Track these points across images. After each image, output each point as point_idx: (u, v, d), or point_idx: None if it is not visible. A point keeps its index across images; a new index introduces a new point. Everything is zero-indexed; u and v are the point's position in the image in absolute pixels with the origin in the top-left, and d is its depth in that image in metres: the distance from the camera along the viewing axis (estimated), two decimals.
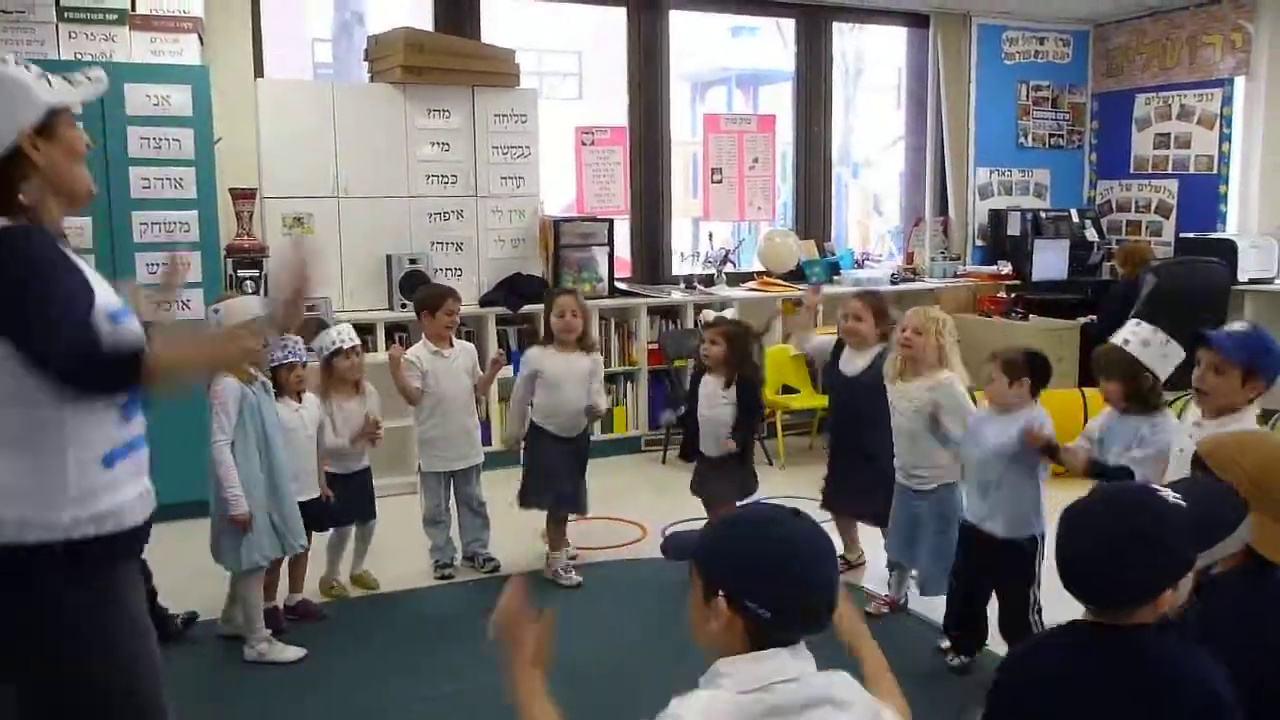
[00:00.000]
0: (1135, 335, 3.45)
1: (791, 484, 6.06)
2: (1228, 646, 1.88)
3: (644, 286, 7.59)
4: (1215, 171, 8.22)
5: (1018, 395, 3.74)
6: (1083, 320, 7.60)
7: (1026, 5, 8.40)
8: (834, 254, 8.37)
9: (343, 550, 4.76)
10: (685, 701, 1.55)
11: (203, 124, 5.48)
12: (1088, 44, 9.05)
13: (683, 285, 7.64)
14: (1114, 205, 8.99)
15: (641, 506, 5.74)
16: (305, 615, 4.43)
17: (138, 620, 2.15)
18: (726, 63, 15.60)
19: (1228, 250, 7.55)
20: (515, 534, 5.12)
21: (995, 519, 3.74)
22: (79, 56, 5.40)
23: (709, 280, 7.71)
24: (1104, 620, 1.82)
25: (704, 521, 4.96)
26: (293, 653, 4.10)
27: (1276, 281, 7.65)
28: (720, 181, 7.92)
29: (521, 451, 5.00)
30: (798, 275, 7.94)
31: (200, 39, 5.81)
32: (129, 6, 5.57)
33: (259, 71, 6.45)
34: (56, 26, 5.42)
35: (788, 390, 7.24)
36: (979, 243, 8.83)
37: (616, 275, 7.30)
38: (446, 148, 6.67)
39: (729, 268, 7.81)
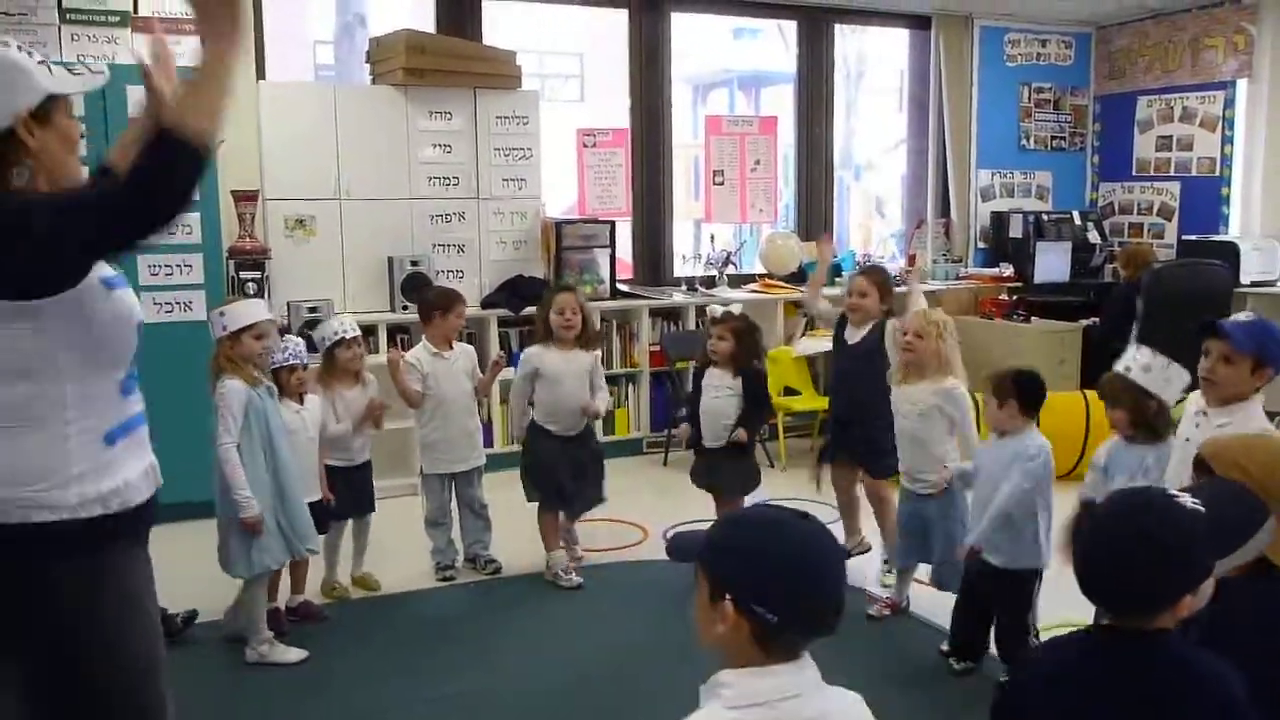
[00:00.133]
0: (1136, 361, 3.43)
1: (793, 486, 6.05)
2: (1238, 648, 1.88)
3: (645, 288, 7.59)
4: (1217, 174, 8.22)
5: (1009, 417, 3.74)
6: (1085, 323, 7.60)
7: (1028, 7, 8.40)
8: (836, 256, 8.35)
9: (339, 547, 4.75)
10: None
11: None
12: (1090, 46, 9.05)
13: (684, 287, 7.64)
14: (1116, 207, 8.98)
15: (643, 508, 5.74)
16: (307, 617, 4.43)
17: (142, 600, 2.15)
18: (728, 64, 15.57)
19: (1230, 252, 7.54)
20: (517, 536, 5.11)
21: (995, 550, 3.74)
22: (81, 58, 5.39)
23: (710, 282, 7.71)
24: (1122, 626, 1.81)
25: (708, 521, 4.97)
26: (294, 654, 4.10)
27: (1279, 284, 7.63)
28: (722, 183, 7.92)
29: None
30: (799, 277, 7.92)
31: (202, 40, 5.80)
32: (131, 8, 5.58)
33: (261, 73, 6.45)
34: (59, 28, 5.44)
35: (789, 392, 7.23)
36: (981, 245, 8.82)
37: (618, 277, 7.30)
38: (448, 149, 6.67)
39: (730, 270, 7.81)
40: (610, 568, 5.08)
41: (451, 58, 6.58)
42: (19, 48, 2.00)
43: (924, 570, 4.41)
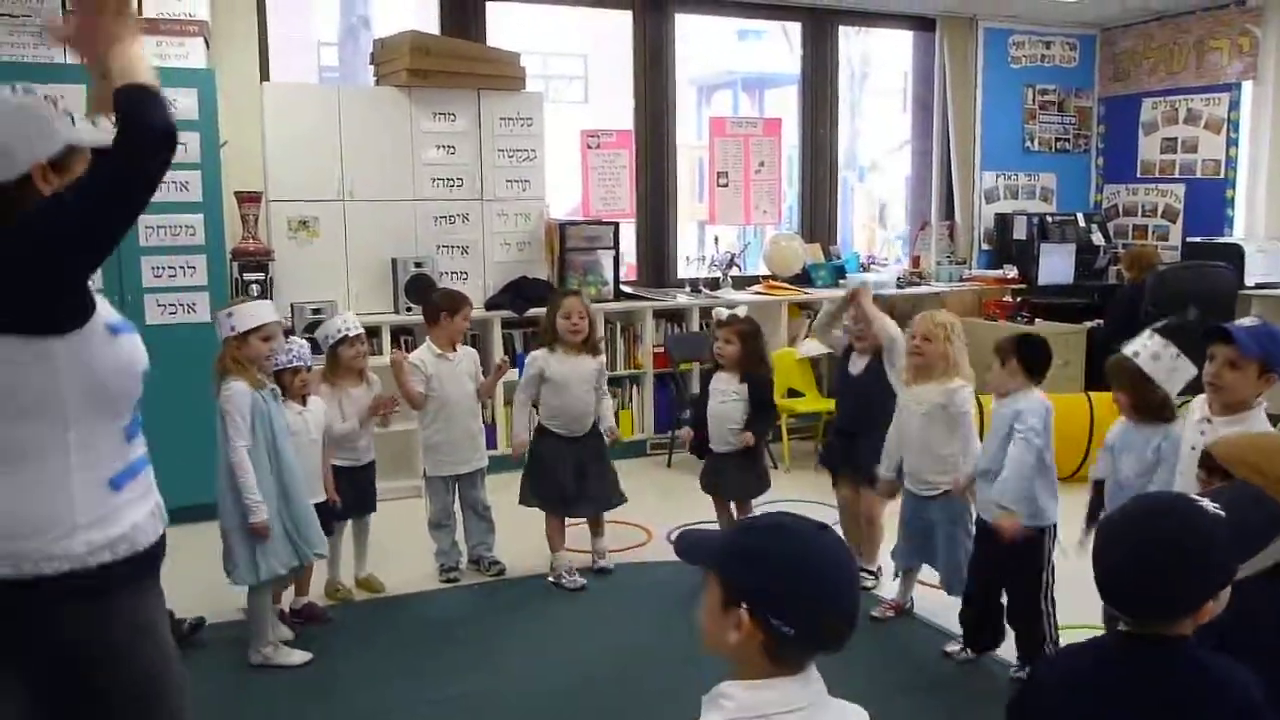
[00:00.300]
0: (1146, 348, 3.42)
1: (796, 487, 6.05)
2: (1257, 651, 1.87)
3: (649, 290, 7.59)
4: (1222, 176, 8.21)
5: (1010, 376, 3.78)
6: (1089, 324, 7.59)
7: (1033, 9, 8.40)
8: (839, 258, 8.36)
9: (340, 547, 4.75)
10: None
11: (208, 127, 5.48)
12: (1094, 48, 9.04)
13: (688, 289, 7.63)
14: (1120, 209, 8.97)
15: (647, 510, 5.73)
16: (311, 618, 4.43)
17: (162, 642, 2.17)
18: (732, 66, 15.59)
19: (1234, 254, 7.54)
20: (520, 537, 5.11)
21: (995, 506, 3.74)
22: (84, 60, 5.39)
23: (714, 284, 7.70)
24: (1143, 632, 1.80)
25: (712, 523, 4.97)
26: (298, 656, 4.09)
27: None
28: (726, 185, 7.92)
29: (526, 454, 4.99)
30: (803, 279, 7.94)
31: (206, 43, 5.82)
32: (135, 10, 5.57)
33: (265, 75, 6.46)
34: None
35: (793, 394, 7.23)
36: (985, 246, 8.82)
37: (622, 278, 7.30)
38: (452, 151, 6.67)
39: (734, 271, 7.80)
40: (614, 569, 5.07)
41: (456, 59, 6.58)
42: (45, 97, 2.04)
43: (926, 572, 4.41)
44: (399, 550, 5.10)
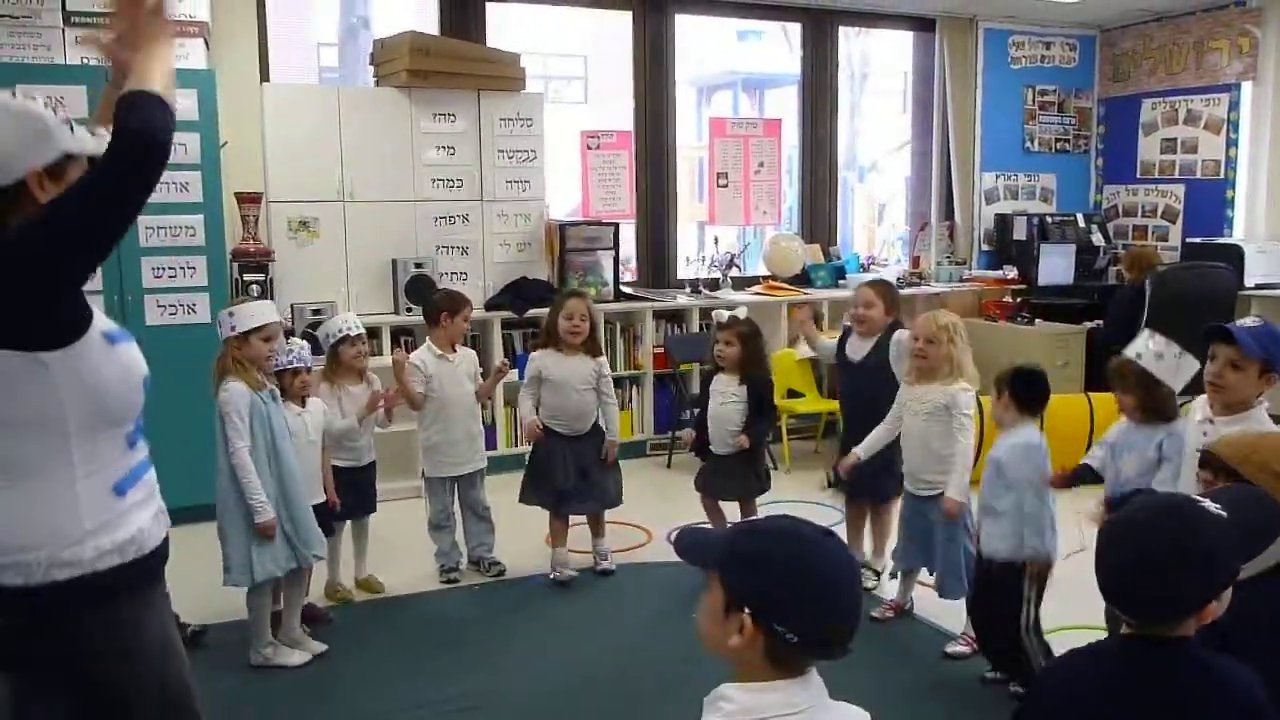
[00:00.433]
0: (1149, 348, 3.42)
1: (797, 488, 6.05)
2: (1258, 649, 1.88)
3: (649, 290, 7.59)
4: (1222, 176, 8.21)
5: (1004, 410, 3.77)
6: (1089, 325, 7.59)
7: (1033, 9, 8.39)
8: (839, 258, 8.36)
9: (340, 548, 4.75)
10: None
11: (208, 128, 5.48)
12: (1094, 48, 9.04)
13: (688, 289, 7.63)
14: (1120, 210, 8.97)
15: (647, 511, 5.73)
16: (311, 619, 4.42)
17: (169, 643, 2.18)
18: (732, 66, 15.60)
19: (1234, 255, 7.53)
20: (520, 538, 5.11)
21: (991, 541, 3.73)
22: (85, 61, 5.40)
23: (714, 284, 7.70)
24: (1146, 633, 1.80)
25: (716, 518, 4.99)
26: (298, 657, 4.10)
27: None
28: (726, 185, 7.92)
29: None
30: (803, 279, 7.94)
31: (206, 43, 5.82)
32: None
33: (264, 76, 6.46)
34: (63, 31, 5.43)
35: (793, 394, 7.23)
36: (985, 247, 8.82)
37: (622, 279, 7.30)
38: (452, 151, 6.67)
39: (734, 272, 7.80)
40: (614, 570, 5.07)
41: (455, 60, 6.58)
42: (45, 103, 2.03)
43: (926, 573, 4.41)
44: (399, 551, 5.11)
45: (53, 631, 2.00)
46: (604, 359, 5.01)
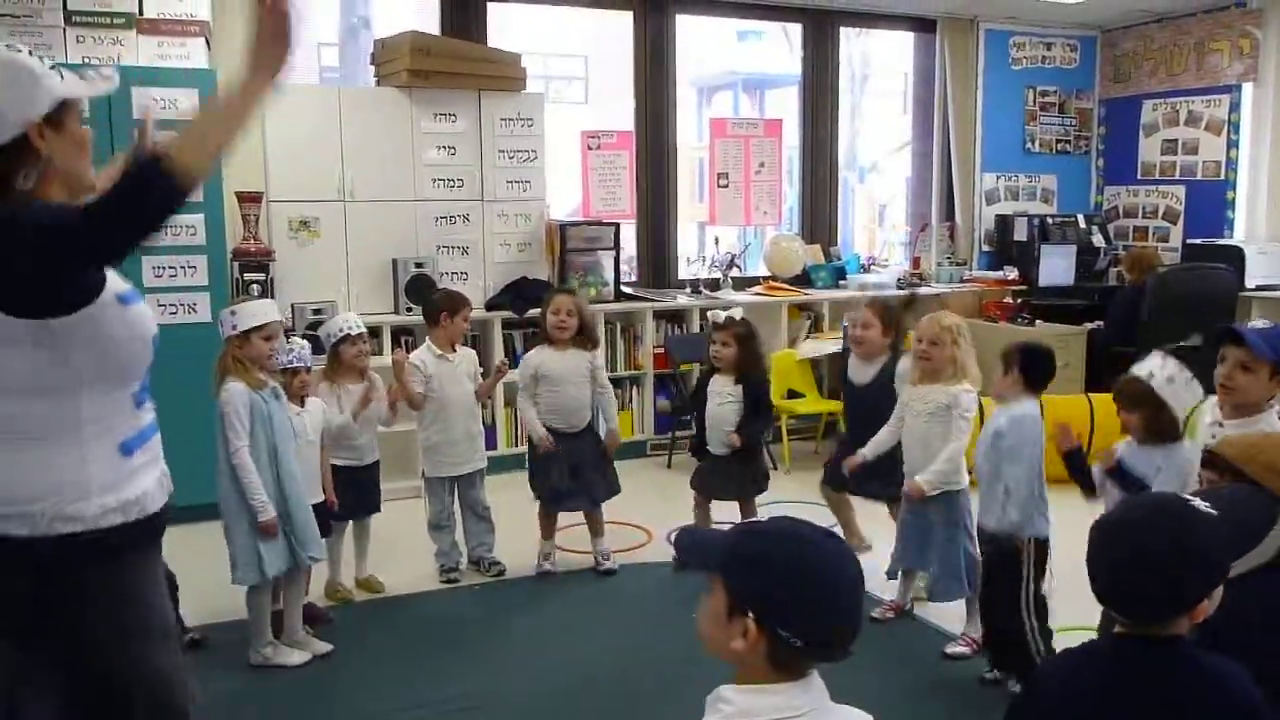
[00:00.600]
0: (1161, 370, 3.39)
1: (798, 489, 6.04)
2: (1248, 646, 1.88)
3: (650, 291, 7.59)
4: (1223, 177, 8.21)
5: (1011, 384, 3.77)
6: (1089, 326, 7.58)
7: (1033, 10, 8.39)
8: (840, 259, 8.36)
9: (341, 548, 4.75)
10: None
11: None
12: (1095, 49, 9.04)
13: (689, 290, 7.63)
14: (1121, 211, 8.97)
15: (647, 511, 5.73)
16: (311, 619, 4.41)
17: (154, 618, 2.18)
18: (733, 67, 15.60)
19: (1235, 256, 7.53)
20: (520, 538, 5.11)
21: (988, 513, 3.75)
22: (86, 60, 5.41)
23: (715, 285, 7.70)
24: (1139, 632, 1.81)
25: (697, 517, 5.00)
26: (298, 657, 4.09)
27: None
28: (726, 186, 7.92)
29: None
30: (804, 280, 7.94)
31: (207, 43, 5.82)
32: (136, 10, 5.58)
33: None
34: (64, 30, 5.43)
35: (793, 395, 7.23)
36: (985, 248, 8.82)
37: (622, 279, 7.30)
38: (452, 151, 6.67)
39: (735, 272, 7.80)
40: (617, 570, 5.07)
41: (456, 60, 6.58)
42: (30, 52, 2.01)
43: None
44: (399, 551, 5.10)
45: (54, 588, 2.00)
46: (598, 352, 5.02)
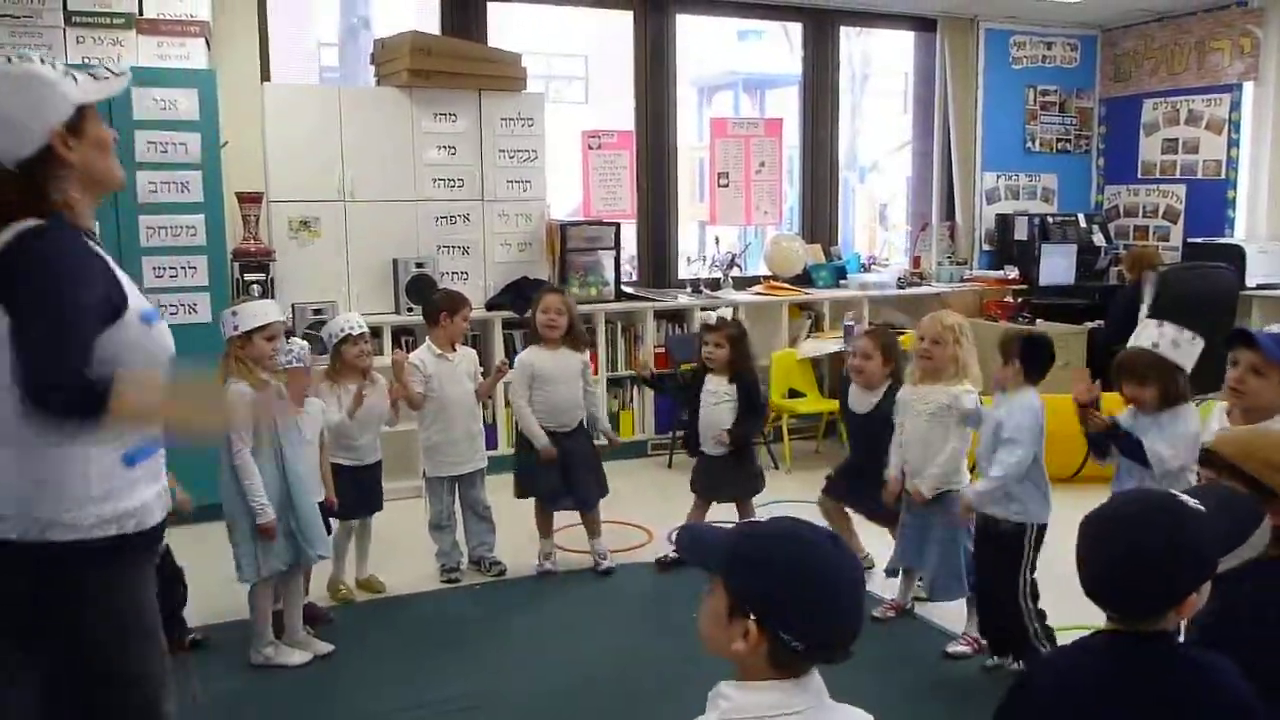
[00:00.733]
0: (1163, 336, 3.39)
1: (798, 488, 6.04)
2: (1238, 641, 1.88)
3: (650, 290, 7.59)
4: (1223, 177, 8.20)
5: (1012, 375, 3.80)
6: (1090, 325, 7.58)
7: (1034, 9, 8.39)
8: (840, 258, 8.36)
9: (346, 547, 4.74)
10: None
11: (209, 128, 5.48)
12: (1095, 48, 9.04)
13: (689, 289, 7.63)
14: (1121, 210, 8.97)
15: (647, 510, 5.73)
16: (311, 619, 4.41)
17: (147, 619, 2.18)
18: (733, 66, 15.61)
19: (1236, 255, 7.53)
20: (521, 538, 5.11)
21: (994, 503, 3.77)
22: (86, 61, 5.40)
23: (715, 284, 7.70)
24: (1129, 628, 1.81)
25: (719, 522, 4.98)
26: (298, 656, 4.10)
27: None
28: (727, 185, 7.91)
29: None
30: (804, 279, 7.93)
31: (207, 43, 5.82)
32: (136, 10, 5.58)
33: (265, 75, 6.46)
34: (64, 31, 5.43)
35: (794, 394, 7.23)
36: (986, 247, 8.81)
37: (623, 279, 7.30)
38: (453, 151, 6.67)
39: (735, 272, 7.80)
40: (615, 569, 5.07)
41: (456, 59, 6.58)
42: (42, 60, 2.01)
43: None
44: (400, 551, 5.11)
45: (53, 588, 2.00)
46: (587, 356, 5.04)
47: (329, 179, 6.35)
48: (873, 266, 8.62)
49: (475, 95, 6.68)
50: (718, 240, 8.09)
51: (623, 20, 7.77)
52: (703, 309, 7.20)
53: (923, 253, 8.68)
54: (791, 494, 5.87)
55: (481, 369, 5.11)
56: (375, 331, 6.10)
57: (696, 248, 8.79)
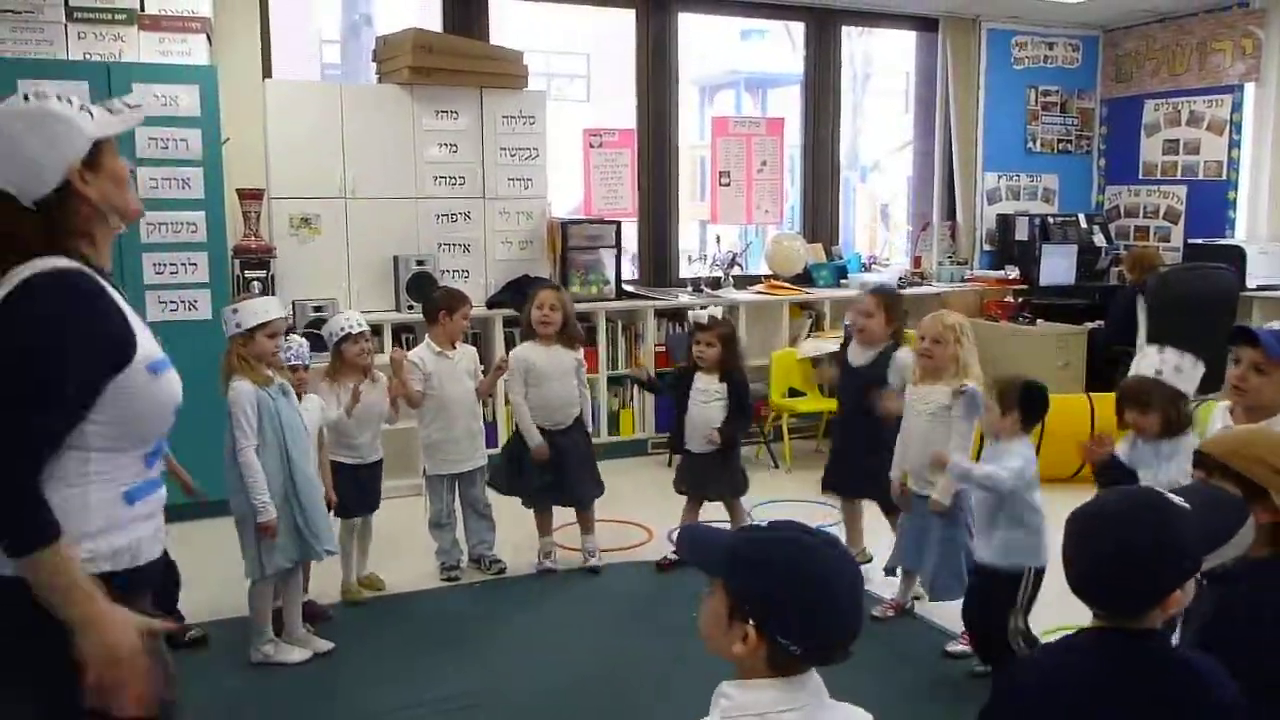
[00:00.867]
0: (1165, 363, 3.36)
1: (798, 488, 6.05)
2: (1235, 640, 1.89)
3: (651, 289, 7.59)
4: (1224, 177, 8.20)
5: (1010, 425, 3.75)
6: (1090, 325, 7.58)
7: (1035, 10, 8.38)
8: (841, 258, 8.36)
9: (351, 547, 4.73)
10: None
11: (210, 124, 5.48)
12: (1097, 49, 9.04)
13: (690, 288, 7.63)
14: (1122, 210, 8.97)
15: (647, 509, 5.73)
16: (311, 617, 4.41)
17: (151, 650, 2.16)
18: (735, 65, 15.62)
19: (1236, 256, 7.52)
20: (521, 536, 5.11)
21: (985, 547, 3.75)
22: (88, 57, 5.40)
23: (716, 283, 7.70)
24: (1114, 626, 1.81)
25: (717, 521, 4.98)
26: (298, 654, 4.10)
27: None
28: (728, 184, 7.91)
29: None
30: (805, 279, 7.93)
31: (208, 39, 5.81)
32: (138, 6, 5.58)
33: (267, 72, 6.46)
34: (65, 26, 5.42)
35: (794, 394, 7.23)
36: (987, 247, 8.81)
37: (624, 277, 7.30)
38: (454, 149, 6.67)
39: (736, 271, 7.80)
40: (615, 568, 5.08)
41: (458, 57, 6.58)
42: (58, 97, 2.00)
43: None
44: (400, 549, 5.11)
45: (25, 622, 1.95)
46: (580, 351, 5.04)
47: (330, 176, 6.34)
48: (873, 266, 8.62)
49: (477, 93, 6.68)
50: (719, 239, 8.10)
51: (625, 18, 7.77)
52: (694, 308, 7.18)
53: (923, 252, 8.68)
54: (791, 494, 5.88)
55: (482, 367, 5.11)
56: (376, 329, 6.10)
57: (697, 247, 8.79)
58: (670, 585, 4.84)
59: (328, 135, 6.32)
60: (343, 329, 4.58)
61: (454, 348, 4.92)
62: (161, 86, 5.36)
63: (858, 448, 4.70)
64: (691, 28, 8.08)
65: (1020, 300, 8.04)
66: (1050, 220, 8.63)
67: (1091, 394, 6.45)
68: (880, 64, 13.26)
